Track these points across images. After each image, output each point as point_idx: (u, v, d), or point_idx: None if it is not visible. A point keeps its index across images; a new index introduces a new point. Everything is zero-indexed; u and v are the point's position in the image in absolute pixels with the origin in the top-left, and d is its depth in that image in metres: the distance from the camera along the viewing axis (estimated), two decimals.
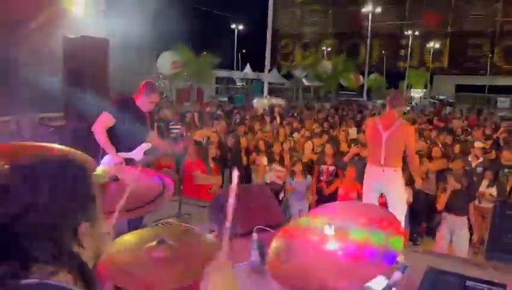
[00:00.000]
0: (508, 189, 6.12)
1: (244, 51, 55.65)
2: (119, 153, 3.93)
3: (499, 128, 11.27)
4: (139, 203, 1.88)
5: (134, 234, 1.84)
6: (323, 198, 6.51)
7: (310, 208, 6.64)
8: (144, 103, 4.20)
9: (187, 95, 29.00)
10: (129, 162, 3.87)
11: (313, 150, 7.47)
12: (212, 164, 6.39)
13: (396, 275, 1.37)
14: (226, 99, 32.16)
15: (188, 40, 30.36)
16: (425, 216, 6.76)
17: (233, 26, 48.46)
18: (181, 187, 4.51)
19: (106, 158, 3.90)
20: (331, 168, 6.55)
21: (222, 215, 3.80)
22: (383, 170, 4.33)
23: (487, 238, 1.68)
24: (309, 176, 6.70)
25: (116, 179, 1.91)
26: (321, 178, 6.68)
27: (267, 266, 1.64)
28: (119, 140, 4.00)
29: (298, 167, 6.50)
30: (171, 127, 9.30)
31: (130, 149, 4.07)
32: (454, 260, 3.63)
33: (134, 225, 3.39)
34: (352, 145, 6.76)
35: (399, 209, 4.25)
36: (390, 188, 4.35)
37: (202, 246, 1.83)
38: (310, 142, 7.60)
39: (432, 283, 1.39)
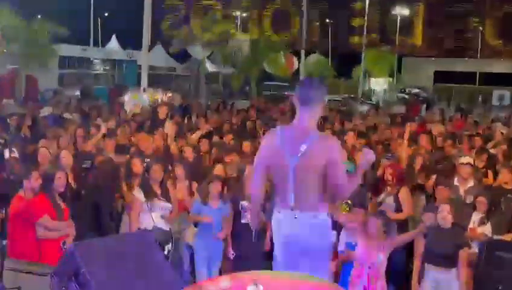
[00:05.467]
0: None
1: (106, 15, 54.76)
2: None
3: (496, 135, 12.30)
4: None
5: None
6: (246, 248, 6.69)
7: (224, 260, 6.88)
8: None
9: (10, 87, 27.75)
10: None
11: (225, 174, 7.59)
12: (61, 202, 6.20)
13: None
14: (77, 93, 31.32)
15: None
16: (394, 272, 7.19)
17: None
18: (4, 243, 4.33)
19: None
20: None
21: (75, 285, 3.74)
22: (295, 217, 4.07)
23: None
24: (227, 204, 6.90)
25: None
26: (243, 220, 6.81)
27: None
28: None
29: (216, 187, 6.70)
30: None
31: None
32: None
33: None
34: None
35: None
36: (308, 248, 4.05)
37: None
38: (219, 165, 7.72)
39: None
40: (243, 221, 6.84)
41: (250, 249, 6.65)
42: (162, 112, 12.62)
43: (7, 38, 28.60)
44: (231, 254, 6.95)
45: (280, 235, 4.16)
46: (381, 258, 5.80)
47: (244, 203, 6.84)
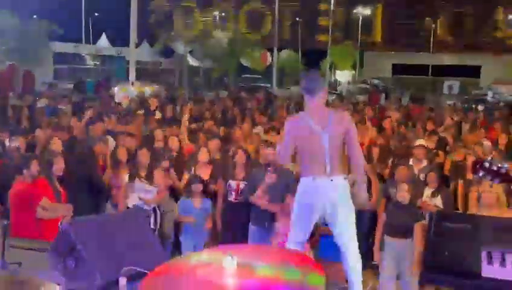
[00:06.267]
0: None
1: (97, 14, 54.10)
2: None
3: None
4: None
5: None
6: (231, 227, 6.77)
7: (208, 241, 6.86)
8: None
9: (9, 81, 27.35)
10: None
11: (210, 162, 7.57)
12: (58, 185, 6.16)
13: None
14: (71, 86, 30.98)
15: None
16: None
17: None
18: (6, 223, 4.29)
19: None
20: (244, 184, 6.72)
21: (71, 260, 3.72)
22: (331, 180, 4.52)
23: (421, 258, 1.94)
24: (207, 200, 6.92)
25: None
26: (229, 198, 6.84)
27: None
28: None
29: (198, 187, 6.70)
30: None
31: None
32: None
33: None
34: (268, 148, 6.87)
35: (352, 232, 4.60)
36: (340, 205, 4.55)
37: None
38: (204, 148, 7.70)
39: None
40: (229, 199, 6.85)
41: (236, 224, 6.73)
42: (153, 104, 12.94)
43: (6, 36, 28.21)
44: (219, 227, 6.94)
45: (315, 198, 4.55)
46: None
47: (232, 182, 6.82)
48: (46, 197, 5.81)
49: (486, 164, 3.12)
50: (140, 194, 6.59)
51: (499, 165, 3.17)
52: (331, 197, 4.51)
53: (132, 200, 6.57)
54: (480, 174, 3.14)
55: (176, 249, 7.04)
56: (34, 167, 5.86)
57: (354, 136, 4.66)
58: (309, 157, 4.62)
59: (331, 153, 4.50)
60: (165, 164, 7.33)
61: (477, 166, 3.14)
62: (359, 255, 4.62)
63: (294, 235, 4.65)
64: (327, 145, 4.49)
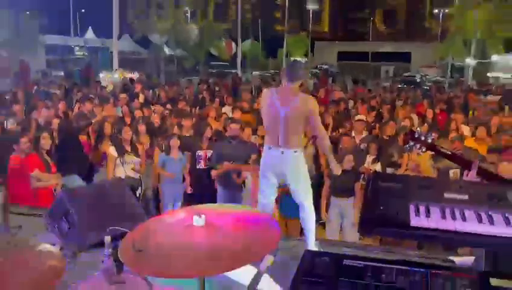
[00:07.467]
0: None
1: (83, 11, 52.86)
2: None
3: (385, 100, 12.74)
4: None
5: None
6: (202, 190, 6.86)
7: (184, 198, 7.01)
8: None
9: (5, 70, 26.51)
10: None
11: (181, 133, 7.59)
12: (48, 158, 6.12)
13: (266, 258, 1.53)
14: (61, 74, 30.32)
15: None
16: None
17: None
18: (6, 192, 4.20)
19: None
20: (210, 152, 6.86)
21: (65, 223, 3.66)
22: (282, 152, 4.41)
23: (360, 213, 2.01)
24: (186, 154, 7.01)
25: None
26: (198, 166, 6.99)
27: (120, 255, 1.72)
28: None
29: (175, 142, 6.76)
30: None
31: None
32: (343, 245, 4.12)
33: None
34: (232, 124, 6.87)
35: (304, 195, 4.52)
36: (291, 174, 4.47)
37: (41, 261, 1.78)
38: (176, 126, 7.78)
39: (308, 264, 1.60)
40: (198, 167, 7.00)
41: (204, 188, 6.85)
42: (138, 87, 13.34)
43: (3, 30, 27.43)
44: (189, 190, 7.05)
45: (270, 164, 4.55)
46: None
47: (200, 152, 6.97)
48: (37, 169, 5.83)
49: (416, 134, 3.18)
50: (131, 165, 6.71)
51: (427, 136, 3.24)
52: (282, 167, 4.45)
53: (122, 172, 6.63)
54: (411, 143, 3.20)
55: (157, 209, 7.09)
56: (23, 143, 5.90)
57: (316, 119, 4.47)
58: (267, 128, 4.56)
59: (286, 128, 4.36)
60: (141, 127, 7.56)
61: (409, 136, 3.20)
62: (312, 210, 4.61)
63: (260, 196, 4.64)
64: (283, 120, 4.35)
